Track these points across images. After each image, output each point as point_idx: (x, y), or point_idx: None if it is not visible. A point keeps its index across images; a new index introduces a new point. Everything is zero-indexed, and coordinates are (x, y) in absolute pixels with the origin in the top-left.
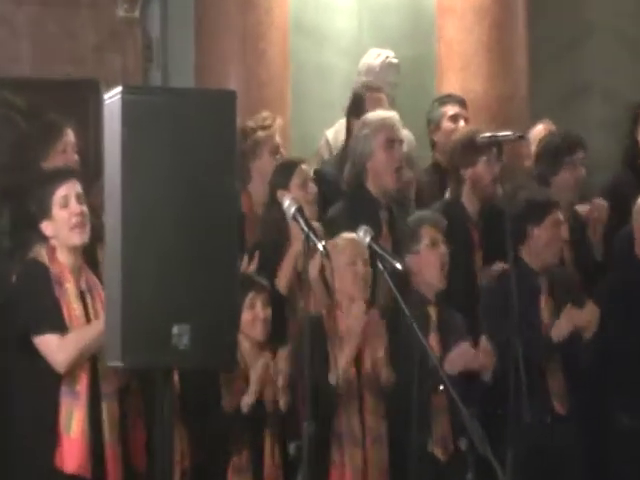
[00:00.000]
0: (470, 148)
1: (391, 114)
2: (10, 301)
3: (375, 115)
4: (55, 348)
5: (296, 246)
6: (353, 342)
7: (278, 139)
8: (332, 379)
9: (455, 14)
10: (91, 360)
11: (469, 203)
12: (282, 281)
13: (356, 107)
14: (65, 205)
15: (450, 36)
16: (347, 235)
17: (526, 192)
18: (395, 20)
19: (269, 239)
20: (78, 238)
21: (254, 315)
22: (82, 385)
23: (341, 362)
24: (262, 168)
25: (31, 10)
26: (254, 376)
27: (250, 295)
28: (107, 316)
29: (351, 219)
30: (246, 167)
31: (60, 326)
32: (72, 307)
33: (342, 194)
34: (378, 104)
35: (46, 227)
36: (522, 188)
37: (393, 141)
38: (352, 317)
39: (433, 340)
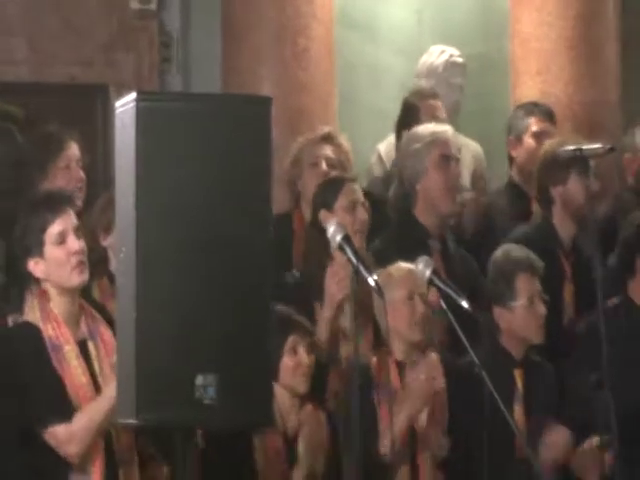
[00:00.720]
0: (560, 162)
1: (445, 127)
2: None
3: (426, 128)
4: (64, 440)
5: (333, 288)
6: (413, 407)
7: (325, 151)
8: (383, 448)
9: (532, 4)
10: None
11: (561, 227)
12: (322, 328)
13: (409, 118)
14: (61, 242)
15: (527, 31)
16: (404, 265)
17: (637, 215)
18: (461, 13)
19: (309, 272)
20: (78, 279)
21: (296, 362)
22: (97, 466)
23: (395, 428)
24: (303, 184)
25: (26, 1)
26: (303, 445)
27: (291, 338)
28: (119, 364)
29: (398, 251)
30: (294, 184)
31: (65, 410)
32: (74, 374)
33: (387, 221)
34: (433, 113)
35: (35, 267)
36: (620, 205)
37: (448, 158)
38: (415, 375)
39: (518, 413)
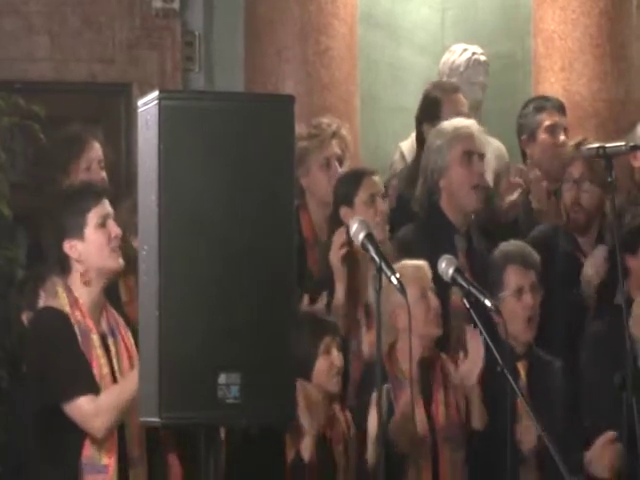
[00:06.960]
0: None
1: (469, 122)
2: (28, 364)
3: (450, 124)
4: (90, 412)
5: (340, 283)
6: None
7: (334, 149)
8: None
9: (556, 3)
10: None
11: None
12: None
13: (430, 112)
14: (102, 225)
15: (550, 29)
16: (412, 263)
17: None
18: (484, 11)
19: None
20: (116, 263)
21: (330, 362)
22: (111, 458)
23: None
24: (312, 185)
25: None
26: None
27: (325, 339)
28: (142, 362)
29: (422, 246)
30: (300, 183)
31: (92, 386)
32: (99, 362)
33: (412, 216)
34: (457, 107)
35: (72, 248)
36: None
37: (471, 154)
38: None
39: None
